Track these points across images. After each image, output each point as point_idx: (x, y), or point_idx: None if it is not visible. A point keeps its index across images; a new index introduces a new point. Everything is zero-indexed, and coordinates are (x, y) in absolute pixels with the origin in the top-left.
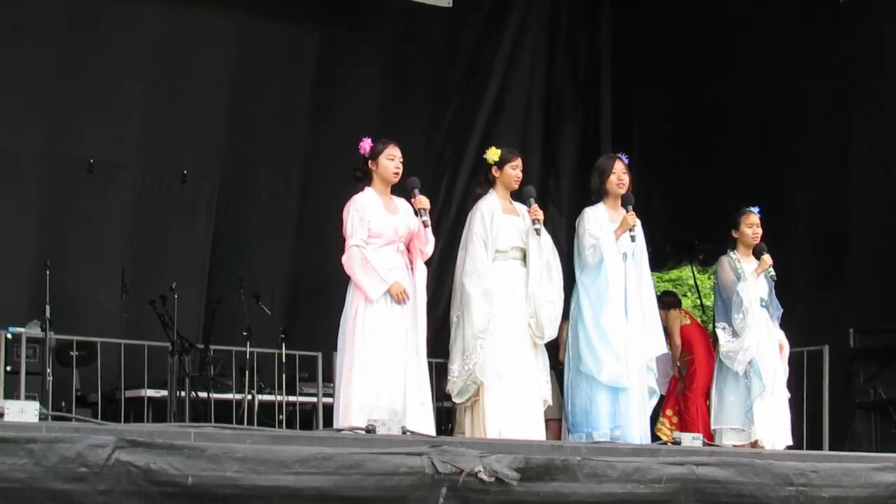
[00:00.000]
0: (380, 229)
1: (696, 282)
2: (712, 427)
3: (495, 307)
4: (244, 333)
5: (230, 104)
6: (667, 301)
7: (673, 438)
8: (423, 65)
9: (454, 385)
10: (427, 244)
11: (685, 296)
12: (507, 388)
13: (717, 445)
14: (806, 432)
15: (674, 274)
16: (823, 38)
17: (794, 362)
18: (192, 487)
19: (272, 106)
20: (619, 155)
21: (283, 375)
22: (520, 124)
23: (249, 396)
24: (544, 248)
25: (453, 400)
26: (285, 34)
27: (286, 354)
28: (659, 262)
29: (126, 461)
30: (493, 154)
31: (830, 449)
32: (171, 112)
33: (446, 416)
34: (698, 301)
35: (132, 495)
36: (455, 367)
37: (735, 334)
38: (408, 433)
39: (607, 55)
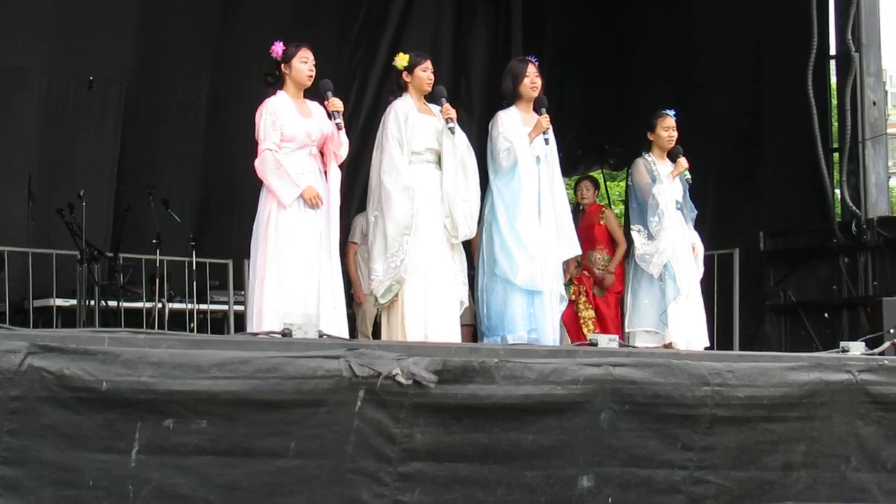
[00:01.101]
0: (293, 133)
1: (606, 189)
2: (626, 330)
3: (415, 205)
4: (154, 241)
5: (139, 6)
6: (595, 182)
7: (589, 340)
8: None
9: (380, 285)
10: (341, 147)
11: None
12: (426, 289)
13: (633, 346)
14: (717, 335)
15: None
16: None
17: (706, 265)
18: (107, 392)
19: (182, 9)
20: (531, 58)
21: (194, 283)
22: (431, 28)
23: (160, 305)
24: (458, 147)
25: (379, 301)
26: None
27: (196, 262)
28: (570, 166)
29: (39, 367)
30: (401, 60)
31: (741, 351)
32: (79, 16)
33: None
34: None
35: (46, 401)
36: (378, 267)
37: (650, 237)
38: (324, 337)
39: None
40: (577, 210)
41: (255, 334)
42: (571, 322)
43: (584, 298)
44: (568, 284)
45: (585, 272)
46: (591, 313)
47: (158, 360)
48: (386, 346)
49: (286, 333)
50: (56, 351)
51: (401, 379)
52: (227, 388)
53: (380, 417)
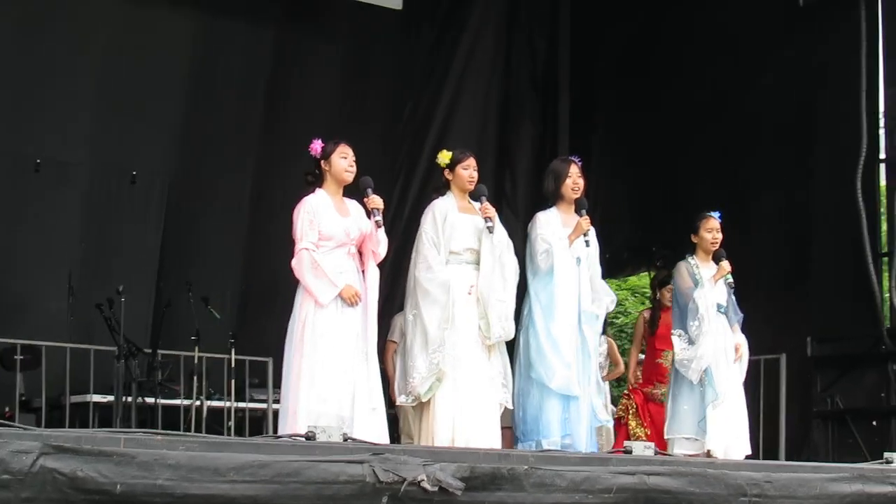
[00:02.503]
0: (330, 232)
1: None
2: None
3: (452, 297)
4: (193, 338)
5: (183, 103)
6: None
7: (624, 447)
8: (379, 65)
9: (423, 382)
10: (380, 245)
11: (642, 304)
12: (457, 391)
13: (670, 455)
14: (762, 441)
15: (632, 282)
16: (786, 40)
17: (752, 370)
18: (121, 495)
19: (225, 105)
20: (573, 158)
21: (233, 381)
22: (476, 126)
23: (198, 402)
24: (497, 246)
25: (421, 399)
26: (241, 31)
27: (236, 359)
28: (617, 268)
29: (52, 468)
30: (444, 157)
31: (787, 459)
32: (122, 110)
33: (392, 424)
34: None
35: (57, 503)
36: (420, 364)
37: (691, 342)
38: (349, 440)
39: (566, 56)
40: (658, 308)
41: (277, 437)
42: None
43: (633, 413)
44: (617, 398)
45: (637, 386)
46: (644, 431)
47: (175, 462)
48: (412, 452)
49: (310, 437)
50: (70, 452)
51: (426, 485)
52: (245, 492)
53: None
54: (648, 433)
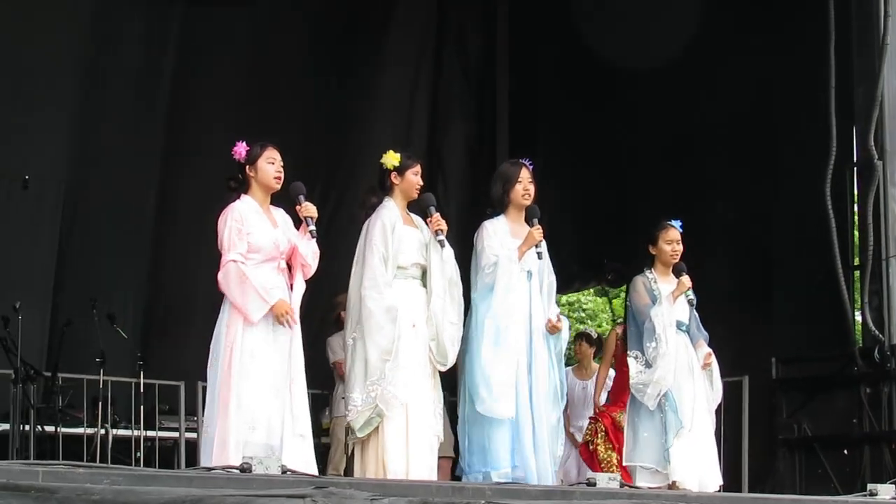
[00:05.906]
0: (260, 243)
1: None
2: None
3: (398, 327)
4: (97, 360)
5: (78, 99)
6: None
7: (588, 479)
8: (296, 57)
9: (358, 416)
10: (312, 257)
11: (584, 322)
12: (408, 423)
13: (636, 487)
14: (723, 471)
15: (571, 296)
16: (747, 35)
17: None
18: None
19: (125, 100)
20: (525, 161)
21: (142, 407)
22: (402, 125)
23: (103, 431)
24: (447, 263)
25: (356, 434)
26: (141, 18)
27: (144, 383)
28: (564, 282)
29: None
30: (392, 159)
31: (749, 490)
32: (12, 108)
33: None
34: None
35: None
36: (356, 396)
37: (648, 364)
38: (288, 472)
39: (504, 52)
40: None
41: (211, 469)
42: (589, 464)
43: (601, 437)
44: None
45: (605, 409)
46: (614, 456)
47: (100, 497)
48: (357, 485)
49: (245, 468)
50: None
51: None
52: None
53: None
54: (619, 458)
